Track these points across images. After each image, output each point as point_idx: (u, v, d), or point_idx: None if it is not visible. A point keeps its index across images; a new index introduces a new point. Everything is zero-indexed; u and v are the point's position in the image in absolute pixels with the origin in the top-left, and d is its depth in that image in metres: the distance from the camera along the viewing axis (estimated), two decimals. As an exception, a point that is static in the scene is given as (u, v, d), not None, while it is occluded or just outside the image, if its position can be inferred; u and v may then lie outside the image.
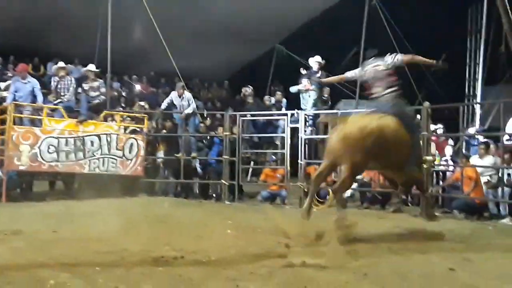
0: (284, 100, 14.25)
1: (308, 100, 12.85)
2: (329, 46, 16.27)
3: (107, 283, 4.52)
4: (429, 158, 9.88)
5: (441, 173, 11.37)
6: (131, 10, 14.87)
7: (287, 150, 11.77)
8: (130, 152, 11.82)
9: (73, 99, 12.12)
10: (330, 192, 11.35)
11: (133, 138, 11.98)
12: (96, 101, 12.16)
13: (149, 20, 14.01)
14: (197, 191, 12.65)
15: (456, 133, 12.15)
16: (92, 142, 11.47)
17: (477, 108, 17.33)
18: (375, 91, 7.16)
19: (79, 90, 12.29)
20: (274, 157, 12.56)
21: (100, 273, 4.86)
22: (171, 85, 18.18)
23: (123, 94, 18.34)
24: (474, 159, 10.59)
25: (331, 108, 14.33)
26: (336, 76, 8.35)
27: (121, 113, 12.93)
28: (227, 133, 12.08)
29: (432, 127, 11.38)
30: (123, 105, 16.48)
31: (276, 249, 6.10)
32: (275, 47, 20.36)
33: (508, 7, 9.82)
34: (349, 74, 7.73)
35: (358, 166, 6.70)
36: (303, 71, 13.46)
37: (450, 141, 12.55)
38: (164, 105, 13.18)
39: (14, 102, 11.36)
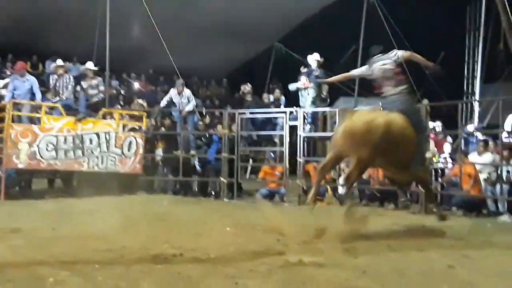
0: (283, 98, 14.23)
1: (307, 97, 12.84)
2: (327, 44, 16.23)
3: (106, 281, 4.52)
4: (428, 155, 9.89)
5: (439, 171, 11.37)
6: (130, 8, 14.86)
7: (285, 148, 11.77)
8: (129, 150, 11.82)
9: (71, 97, 12.12)
10: (329, 190, 11.40)
11: (132, 136, 11.97)
12: (95, 99, 12.17)
13: (147, 18, 14.00)
14: (196, 189, 12.64)
15: (454, 131, 12.10)
16: (91, 140, 11.47)
17: (476, 105, 17.36)
18: (385, 90, 7.19)
19: (78, 88, 12.27)
20: (272, 154, 12.55)
21: (99, 270, 4.86)
22: (169, 83, 18.14)
23: (122, 92, 18.33)
24: (473, 157, 10.60)
25: (330, 105, 14.32)
26: (342, 75, 8.30)
27: (120, 111, 12.91)
28: (226, 131, 12.08)
29: (431, 124, 11.38)
30: (121, 103, 16.46)
31: (275, 246, 6.11)
32: (274, 45, 20.34)
33: (507, 5, 9.83)
34: (356, 72, 7.73)
35: (365, 160, 6.67)
36: (304, 69, 13.44)
37: (449, 139, 12.56)
38: (163, 103, 13.19)
39: (13, 100, 11.35)
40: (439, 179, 11.15)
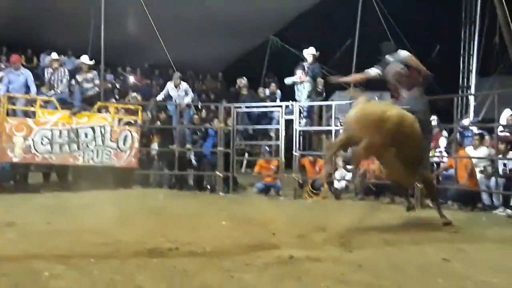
0: (279, 92, 14.23)
1: (302, 91, 12.83)
2: (323, 37, 16.25)
3: (102, 275, 4.51)
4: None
5: (435, 164, 11.38)
6: (125, 1, 14.81)
7: (281, 142, 11.76)
8: (124, 144, 11.79)
9: (66, 91, 12.09)
10: (325, 184, 11.40)
11: (127, 130, 11.95)
12: (90, 93, 12.12)
13: (143, 11, 13.96)
14: (192, 183, 12.63)
15: (450, 125, 12.11)
16: (86, 134, 11.44)
17: (471, 99, 17.38)
18: (399, 92, 7.25)
19: (73, 82, 12.22)
20: (268, 148, 12.54)
21: (95, 264, 4.86)
22: (165, 77, 18.13)
23: (117, 86, 18.29)
24: (469, 150, 10.61)
25: (326, 99, 14.32)
26: (358, 75, 8.29)
27: (115, 105, 12.87)
28: (222, 125, 12.06)
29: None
30: (116, 97, 16.42)
31: (271, 240, 6.10)
32: (270, 39, 20.32)
33: (502, -2, 9.82)
34: (372, 72, 7.66)
35: (373, 145, 6.67)
36: (305, 64, 13.41)
37: (444, 133, 12.58)
38: (160, 96, 13.17)
39: (7, 93, 11.31)
40: (434, 172, 11.16)
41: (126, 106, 13.22)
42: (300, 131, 11.71)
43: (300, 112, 11.98)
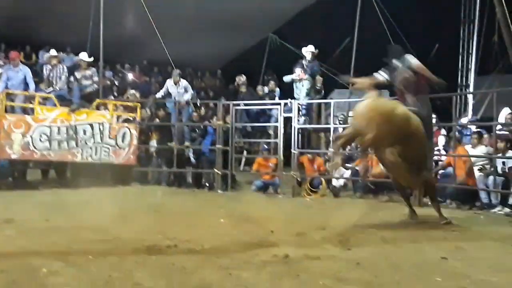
0: (278, 90, 14.23)
1: (301, 89, 12.84)
2: (322, 35, 16.25)
3: (100, 272, 4.52)
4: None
5: (434, 163, 11.37)
6: (124, -2, 14.82)
7: (280, 140, 11.76)
8: (123, 141, 11.77)
9: (65, 88, 12.06)
10: (323, 182, 11.42)
11: (126, 127, 11.93)
12: (89, 89, 12.10)
13: (142, 8, 13.93)
14: (190, 180, 12.62)
15: (448, 123, 12.13)
16: (84, 131, 11.42)
17: (470, 98, 17.37)
18: (405, 97, 7.33)
19: (71, 78, 12.20)
20: (266, 146, 12.54)
21: (93, 261, 4.86)
22: (164, 75, 18.10)
23: (116, 83, 18.25)
24: (467, 149, 10.61)
25: (325, 97, 14.33)
26: (366, 78, 8.28)
27: (114, 102, 12.85)
28: (220, 123, 12.05)
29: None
30: (115, 94, 16.40)
31: (269, 238, 6.11)
32: (269, 37, 20.29)
33: (502, -3, 9.81)
34: (380, 77, 7.65)
35: (379, 137, 6.71)
36: (303, 62, 13.42)
37: (443, 131, 12.57)
38: (160, 94, 13.15)
39: (6, 90, 11.30)
40: (433, 170, 11.16)
41: (125, 103, 13.20)
42: (298, 129, 11.72)
43: (298, 110, 11.98)
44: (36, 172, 12.04)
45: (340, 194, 11.36)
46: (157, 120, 13.25)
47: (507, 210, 8.90)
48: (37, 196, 9.59)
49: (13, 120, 10.86)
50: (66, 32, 17.00)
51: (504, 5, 9.40)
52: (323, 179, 11.53)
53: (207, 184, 12.27)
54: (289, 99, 12.16)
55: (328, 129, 11.99)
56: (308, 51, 13.00)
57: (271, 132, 13.05)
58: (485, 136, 10.56)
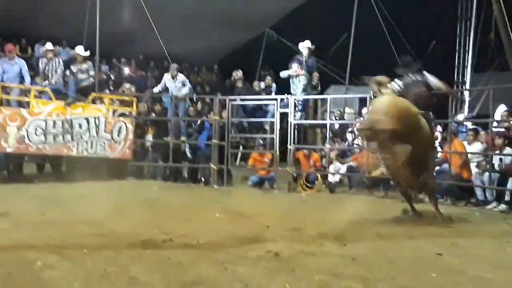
0: (274, 85, 14.21)
1: (298, 85, 12.81)
2: (319, 31, 16.22)
3: (95, 266, 4.51)
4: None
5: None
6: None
7: (276, 135, 11.75)
8: (118, 135, 11.74)
9: (61, 81, 12.01)
10: (319, 177, 11.42)
11: (122, 121, 11.90)
12: (85, 83, 12.06)
13: (139, 2, 13.89)
14: (186, 175, 12.61)
15: (444, 120, 12.14)
16: (80, 125, 11.39)
17: (466, 94, 17.41)
18: None
19: (67, 72, 12.16)
20: (261, 141, 12.53)
21: (88, 255, 4.86)
22: (160, 69, 18.08)
23: (112, 77, 18.22)
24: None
25: (321, 93, 14.32)
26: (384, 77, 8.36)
27: (110, 96, 12.81)
28: (216, 118, 12.03)
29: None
30: (111, 88, 16.37)
31: (265, 233, 6.12)
32: (266, 32, 20.27)
33: (498, -6, 9.83)
34: (395, 86, 7.68)
35: (397, 132, 6.81)
36: (299, 57, 13.41)
37: (439, 128, 12.59)
38: (158, 89, 13.11)
39: (1, 83, 11.26)
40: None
41: (121, 98, 13.17)
42: (295, 124, 11.70)
43: (295, 106, 11.96)
44: (32, 165, 12.02)
45: (335, 190, 11.36)
46: (153, 114, 13.21)
47: (502, 206, 8.91)
48: (32, 190, 9.56)
49: (9, 113, 10.82)
50: (62, 25, 16.93)
51: (501, 2, 9.42)
52: (318, 175, 11.53)
53: (203, 179, 12.26)
54: (286, 95, 12.14)
55: (324, 125, 11.98)
56: (304, 46, 12.98)
57: (267, 127, 13.03)
58: (482, 133, 10.58)
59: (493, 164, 9.54)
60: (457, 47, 18.39)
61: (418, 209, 7.80)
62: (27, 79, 11.72)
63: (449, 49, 18.35)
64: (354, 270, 4.64)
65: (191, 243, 5.54)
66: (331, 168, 11.67)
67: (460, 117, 14.36)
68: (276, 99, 12.07)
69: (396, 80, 7.64)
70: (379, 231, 6.45)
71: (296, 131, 11.77)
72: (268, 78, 14.35)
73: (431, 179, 7.65)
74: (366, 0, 16.28)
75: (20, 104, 11.47)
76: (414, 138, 6.87)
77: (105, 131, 11.60)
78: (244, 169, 12.85)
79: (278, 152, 11.67)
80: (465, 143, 10.53)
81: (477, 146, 10.24)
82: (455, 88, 17.88)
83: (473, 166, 9.98)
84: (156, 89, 13.19)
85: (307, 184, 11.41)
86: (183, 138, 12.49)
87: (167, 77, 12.88)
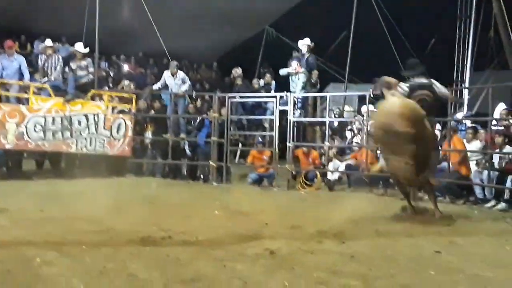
0: (273, 83, 14.21)
1: (297, 82, 12.82)
2: (319, 29, 16.21)
3: (94, 262, 4.51)
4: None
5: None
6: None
7: (275, 133, 11.75)
8: (117, 132, 11.73)
9: (60, 78, 12.01)
10: (318, 175, 11.43)
11: (121, 118, 11.89)
12: (84, 80, 12.05)
13: (138, 0, 13.88)
14: (185, 172, 12.61)
15: (444, 118, 12.15)
16: (79, 122, 11.38)
17: (465, 93, 17.40)
18: None
19: (66, 69, 12.15)
20: (260, 139, 12.52)
21: (87, 252, 4.86)
22: (159, 66, 18.07)
23: (111, 74, 18.20)
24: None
25: (320, 91, 14.32)
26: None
27: (109, 93, 12.80)
28: (216, 115, 12.03)
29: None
30: (110, 85, 16.35)
31: (264, 231, 6.13)
32: (265, 29, 20.25)
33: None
34: (404, 87, 7.70)
35: (411, 135, 6.91)
36: (295, 54, 13.43)
37: (438, 126, 12.59)
38: (157, 85, 13.09)
39: (1, 80, 11.25)
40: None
41: (120, 94, 13.15)
42: (294, 122, 11.71)
43: (294, 103, 11.97)
44: (31, 162, 12.02)
45: (334, 188, 11.37)
46: (153, 111, 13.20)
47: (502, 205, 8.90)
48: (31, 187, 9.56)
49: (8, 110, 10.81)
50: (61, 22, 16.90)
51: (501, 0, 9.41)
52: (318, 172, 11.54)
53: (202, 176, 12.26)
54: (285, 92, 12.13)
55: (324, 123, 11.98)
56: (304, 44, 12.98)
57: (266, 125, 13.03)
58: (481, 131, 10.59)
59: (493, 163, 9.55)
60: (457, 46, 18.36)
61: (418, 207, 7.80)
62: (26, 75, 11.73)
63: (449, 47, 18.33)
64: (353, 268, 4.64)
65: (190, 240, 5.54)
66: (330, 166, 11.67)
67: (459, 115, 14.35)
68: (275, 97, 12.06)
69: (403, 83, 7.69)
70: (378, 228, 6.45)
71: (295, 128, 11.77)
72: (268, 76, 14.35)
73: (432, 178, 7.66)
74: (366, -3, 16.28)
75: (19, 100, 11.49)
76: (419, 138, 6.92)
77: (104, 128, 11.59)
78: (243, 166, 12.85)
79: (277, 150, 11.67)
80: (464, 141, 10.53)
81: (476, 145, 10.24)
82: (454, 86, 17.92)
83: (472, 164, 9.98)
84: (156, 86, 13.18)
85: (306, 181, 11.42)
86: (182, 135, 12.49)
87: (167, 74, 12.86)
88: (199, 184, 11.87)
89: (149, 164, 12.63)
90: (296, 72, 12.75)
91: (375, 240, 5.92)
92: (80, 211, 6.80)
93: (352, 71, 16.16)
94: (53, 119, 11.14)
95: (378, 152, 10.66)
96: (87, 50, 12.32)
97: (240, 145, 13.65)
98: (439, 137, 11.55)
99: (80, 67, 12.04)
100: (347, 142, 12.82)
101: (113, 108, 12.21)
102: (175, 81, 12.69)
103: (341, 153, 12.25)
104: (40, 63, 12.12)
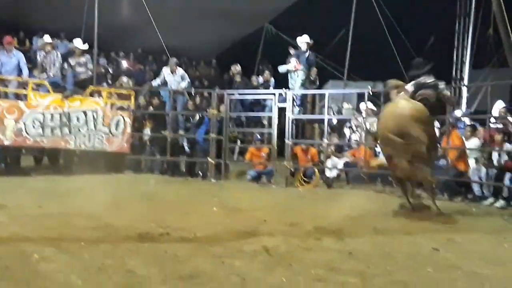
0: (272, 80, 14.20)
1: (296, 80, 12.81)
2: (318, 26, 16.20)
3: (92, 259, 4.52)
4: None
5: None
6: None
7: (274, 130, 11.74)
8: (116, 128, 11.72)
9: (59, 74, 11.98)
10: (316, 172, 11.43)
11: (120, 114, 11.88)
12: (83, 76, 12.03)
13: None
14: (184, 169, 12.60)
15: (442, 116, 12.15)
16: (78, 118, 11.36)
17: (464, 90, 17.40)
18: None
19: (65, 65, 12.13)
20: (259, 136, 12.51)
21: (85, 248, 4.86)
22: (158, 63, 18.04)
23: (110, 70, 18.19)
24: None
25: (319, 88, 14.31)
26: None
27: (108, 89, 12.79)
28: (214, 112, 12.02)
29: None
30: (109, 81, 16.33)
31: (262, 227, 6.13)
32: (264, 27, 20.24)
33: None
34: (410, 88, 7.73)
35: (422, 138, 7.07)
36: (292, 51, 13.44)
37: (437, 124, 12.58)
38: (156, 82, 13.08)
39: (-1, 75, 11.26)
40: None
41: (119, 91, 13.13)
42: (293, 119, 11.70)
43: (293, 100, 11.95)
44: (29, 158, 12.00)
45: (333, 185, 11.37)
46: (151, 108, 13.20)
47: (501, 202, 8.91)
48: (30, 183, 9.55)
49: (6, 106, 10.79)
50: (60, 18, 16.89)
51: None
52: (316, 170, 11.54)
53: (201, 173, 12.25)
54: (284, 89, 12.11)
55: (322, 120, 11.97)
56: (303, 41, 12.97)
57: (265, 122, 13.01)
58: (480, 129, 10.59)
59: (492, 160, 9.55)
60: (456, 43, 18.36)
61: (416, 204, 7.81)
62: (25, 71, 11.71)
63: (448, 45, 18.33)
64: (351, 265, 4.65)
65: (188, 236, 5.55)
66: (329, 163, 11.67)
67: (458, 113, 14.35)
68: (274, 94, 12.04)
69: (410, 84, 7.72)
70: (376, 226, 6.46)
71: (294, 125, 11.77)
72: (267, 73, 14.33)
73: (431, 176, 7.67)
74: (365, -5, 16.27)
75: (18, 96, 11.45)
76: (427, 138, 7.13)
77: (103, 125, 11.58)
78: (241, 163, 12.84)
79: (276, 147, 11.67)
80: (462, 138, 10.53)
81: (474, 142, 10.24)
82: (453, 84, 17.92)
83: (471, 162, 9.99)
84: (155, 83, 13.17)
85: (304, 178, 11.41)
86: (181, 132, 12.50)
87: (166, 71, 12.86)
88: (197, 181, 11.85)
89: (147, 160, 12.62)
90: (295, 69, 12.74)
91: (373, 237, 5.93)
92: (78, 208, 6.80)
93: (351, 69, 16.17)
94: (52, 116, 11.12)
95: (377, 149, 10.69)
96: (86, 46, 12.30)
97: (238, 142, 13.65)
98: (437, 133, 11.58)
99: (79, 63, 12.02)
100: (347, 140, 12.81)
101: (111, 105, 12.19)
102: (174, 78, 12.69)
103: (339, 150, 12.25)
104: (38, 59, 12.08)
